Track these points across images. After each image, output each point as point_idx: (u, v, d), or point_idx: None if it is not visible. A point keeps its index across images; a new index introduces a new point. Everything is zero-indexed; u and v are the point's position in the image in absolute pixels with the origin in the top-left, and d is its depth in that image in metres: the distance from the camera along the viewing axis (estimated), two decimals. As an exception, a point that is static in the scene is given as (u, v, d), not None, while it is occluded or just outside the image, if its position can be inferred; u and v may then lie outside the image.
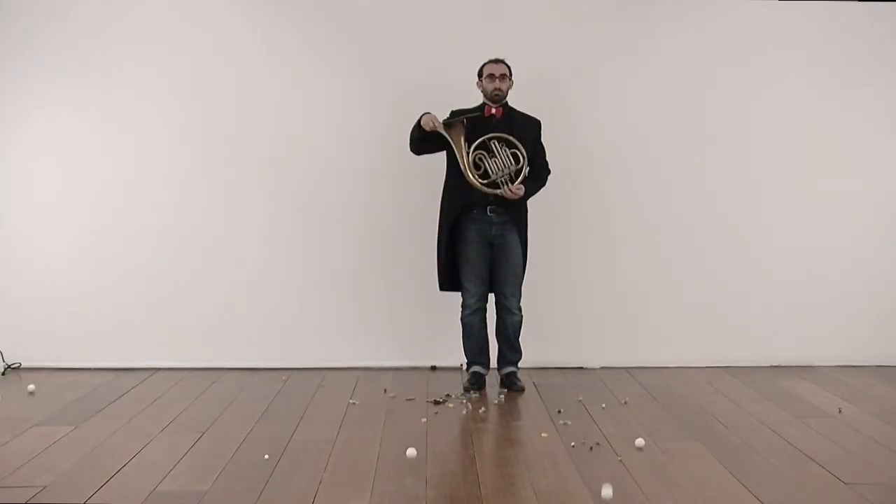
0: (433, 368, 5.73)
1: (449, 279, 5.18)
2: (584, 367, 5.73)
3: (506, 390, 5.13)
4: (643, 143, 5.73)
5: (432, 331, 5.71)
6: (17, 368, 5.63)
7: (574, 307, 5.76)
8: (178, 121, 5.65)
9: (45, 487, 3.58)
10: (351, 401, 4.91)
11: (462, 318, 5.18)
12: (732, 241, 5.79)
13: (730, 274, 5.79)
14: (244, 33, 5.64)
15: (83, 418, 4.56)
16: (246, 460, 3.92)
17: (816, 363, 5.77)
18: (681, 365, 5.71)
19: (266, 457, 3.83)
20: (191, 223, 5.68)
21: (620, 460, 3.90)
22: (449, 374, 5.57)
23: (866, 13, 5.75)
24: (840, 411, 4.65)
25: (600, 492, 3.44)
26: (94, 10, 5.58)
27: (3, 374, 5.54)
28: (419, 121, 4.96)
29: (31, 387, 5.06)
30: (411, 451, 3.80)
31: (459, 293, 5.19)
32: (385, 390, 5.06)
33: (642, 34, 5.70)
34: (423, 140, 5.00)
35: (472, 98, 5.21)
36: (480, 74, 5.11)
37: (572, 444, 4.06)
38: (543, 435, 4.28)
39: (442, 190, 5.17)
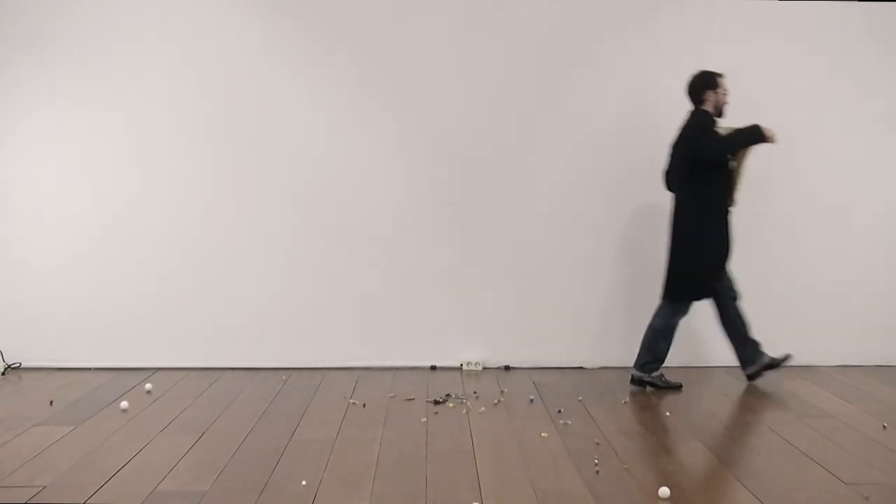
0: (433, 368, 5.73)
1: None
2: (584, 367, 5.74)
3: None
4: (644, 144, 5.72)
5: (432, 331, 5.72)
6: (17, 368, 5.64)
7: (574, 307, 5.76)
8: (177, 122, 5.65)
9: (45, 487, 3.58)
10: (351, 401, 4.91)
11: (676, 322, 5.18)
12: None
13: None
14: (249, 34, 5.63)
15: (83, 418, 4.56)
16: (246, 460, 3.92)
17: (816, 363, 5.77)
18: (681, 365, 5.71)
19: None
20: (191, 224, 5.68)
21: (625, 466, 3.90)
22: (449, 374, 5.57)
23: (869, 13, 5.76)
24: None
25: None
26: (99, 10, 5.58)
27: (3, 374, 5.54)
28: (760, 131, 4.97)
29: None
30: (664, 490, 3.49)
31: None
32: (364, 405, 4.84)
33: (642, 34, 5.70)
34: (739, 149, 5.04)
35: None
36: (715, 85, 5.10)
37: (595, 463, 4.00)
38: (543, 435, 4.28)
39: (701, 204, 5.10)
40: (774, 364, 5.26)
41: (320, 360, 5.70)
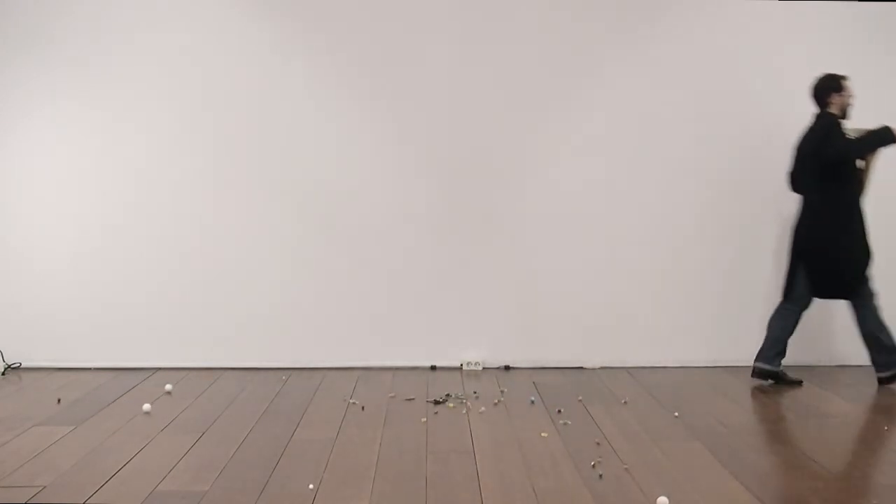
0: (433, 368, 5.73)
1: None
2: (584, 367, 5.74)
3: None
4: (642, 144, 5.73)
5: (432, 331, 5.72)
6: (17, 368, 5.64)
7: (574, 307, 5.76)
8: (177, 122, 5.65)
9: (45, 487, 3.58)
10: (351, 401, 4.91)
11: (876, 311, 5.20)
12: (732, 241, 5.79)
13: (729, 274, 5.79)
14: (249, 34, 5.62)
15: (83, 418, 4.57)
16: (246, 460, 3.92)
17: (816, 363, 5.77)
18: (681, 365, 5.71)
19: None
20: (191, 224, 5.68)
21: (625, 466, 3.90)
22: (449, 374, 5.57)
23: (872, 13, 5.77)
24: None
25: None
26: (99, 10, 5.58)
27: (3, 374, 5.54)
28: (891, 133, 5.02)
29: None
30: (662, 500, 3.41)
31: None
32: (363, 407, 4.92)
33: (644, 34, 5.70)
34: (869, 152, 5.10)
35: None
36: (840, 88, 5.16)
37: (595, 463, 4.02)
38: (543, 435, 4.28)
39: (834, 205, 5.14)
40: (782, 378, 5.26)
41: (320, 360, 5.70)
